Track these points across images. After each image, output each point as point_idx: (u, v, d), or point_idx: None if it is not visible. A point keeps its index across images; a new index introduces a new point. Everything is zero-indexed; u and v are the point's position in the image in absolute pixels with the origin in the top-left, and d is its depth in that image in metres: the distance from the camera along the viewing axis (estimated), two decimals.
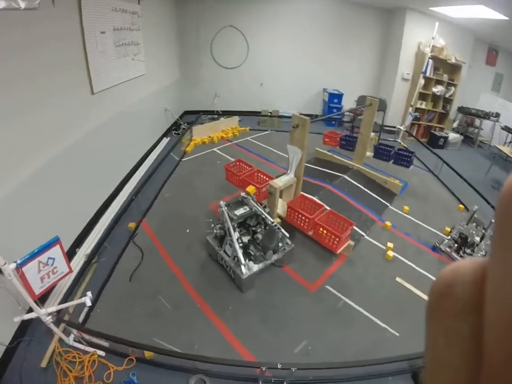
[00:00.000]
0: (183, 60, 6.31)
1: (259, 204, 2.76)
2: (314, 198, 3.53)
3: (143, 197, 3.65)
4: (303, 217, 2.85)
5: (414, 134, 6.43)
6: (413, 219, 3.61)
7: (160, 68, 5.20)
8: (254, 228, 2.75)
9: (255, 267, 2.52)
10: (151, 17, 4.60)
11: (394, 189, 4.02)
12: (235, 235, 2.47)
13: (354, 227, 3.22)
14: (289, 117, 6.24)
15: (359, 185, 4.01)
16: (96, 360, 2.07)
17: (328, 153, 4.69)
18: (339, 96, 6.37)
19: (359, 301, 2.54)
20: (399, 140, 5.86)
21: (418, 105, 6.26)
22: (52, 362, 2.04)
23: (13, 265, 1.66)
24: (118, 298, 2.49)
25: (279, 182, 2.97)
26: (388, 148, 4.27)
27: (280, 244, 2.65)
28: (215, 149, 5.10)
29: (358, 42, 6.34)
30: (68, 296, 2.35)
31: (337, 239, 2.65)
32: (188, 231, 3.18)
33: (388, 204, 3.80)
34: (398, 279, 2.78)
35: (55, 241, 1.90)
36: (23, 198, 2.32)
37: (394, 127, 6.01)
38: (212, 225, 2.80)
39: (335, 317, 2.42)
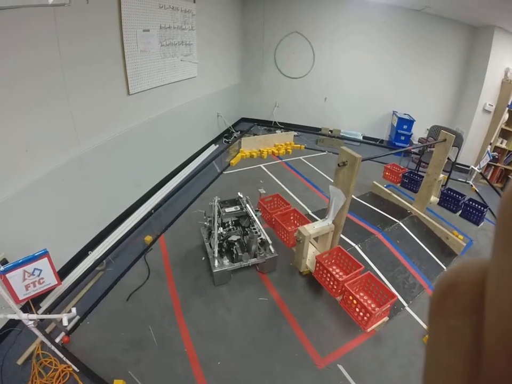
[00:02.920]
0: (245, 64, 6.10)
1: (252, 207, 2.88)
2: (357, 247, 3.00)
3: (170, 209, 3.52)
4: (332, 278, 2.36)
5: (488, 177, 5.28)
6: None
7: (216, 70, 5.04)
8: (246, 229, 2.83)
9: (228, 265, 2.62)
10: (210, 16, 4.44)
11: (455, 247, 3.23)
12: (217, 230, 2.65)
13: (396, 294, 2.64)
14: (351, 139, 5.77)
15: (414, 237, 3.31)
16: (69, 373, 1.99)
17: (386, 189, 4.02)
18: (409, 122, 5.49)
19: None
20: (470, 182, 4.86)
21: (498, 144, 5.12)
22: (31, 360, 2.03)
23: None
24: (110, 316, 2.37)
25: (310, 229, 2.49)
26: (457, 196, 3.47)
27: (261, 250, 2.71)
28: (261, 165, 4.76)
29: (435, 62, 5.35)
30: (63, 297, 2.31)
31: (368, 315, 2.10)
32: (203, 258, 2.91)
33: (444, 267, 3.05)
34: None
35: (43, 253, 1.89)
36: (40, 193, 2.34)
37: (468, 166, 4.96)
38: (204, 217, 2.91)
39: None
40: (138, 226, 3.08)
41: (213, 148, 5.17)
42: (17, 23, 1.95)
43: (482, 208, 3.37)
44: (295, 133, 5.68)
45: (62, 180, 2.49)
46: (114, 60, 2.85)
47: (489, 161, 4.60)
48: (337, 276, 2.37)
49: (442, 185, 4.39)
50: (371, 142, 5.93)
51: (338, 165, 2.32)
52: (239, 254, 2.64)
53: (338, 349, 2.23)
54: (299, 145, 5.43)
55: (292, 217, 3.10)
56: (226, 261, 2.64)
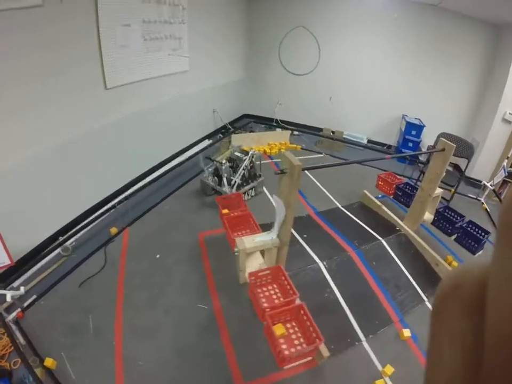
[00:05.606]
0: (250, 60, 5.83)
1: (253, 158, 3.62)
2: (321, 265, 2.70)
3: (144, 202, 3.48)
4: (256, 302, 2.07)
5: (502, 196, 4.57)
6: None
7: (214, 65, 4.85)
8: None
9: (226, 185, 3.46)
10: (207, 9, 4.29)
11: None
12: (225, 164, 3.51)
13: (354, 325, 2.36)
14: (354, 143, 5.39)
15: (396, 259, 2.93)
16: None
17: (376, 201, 3.65)
18: (419, 128, 4.91)
19: None
20: (482, 199, 4.27)
21: None
22: None
23: None
24: (61, 299, 2.45)
25: (248, 243, 2.24)
26: (454, 217, 3.04)
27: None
28: None
29: (451, 65, 4.72)
30: (12, 275, 2.45)
31: (280, 355, 1.75)
32: (158, 256, 2.84)
33: (426, 299, 2.66)
34: None
35: None
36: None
37: (480, 181, 4.38)
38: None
39: None
40: (101, 216, 3.14)
41: (206, 143, 5.00)
42: None
43: (482, 234, 2.94)
44: (295, 132, 5.40)
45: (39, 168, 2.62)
46: (91, 55, 2.83)
47: (505, 177, 4.05)
48: (263, 300, 2.12)
49: (447, 200, 3.98)
50: (377, 147, 5.48)
51: (276, 172, 2.04)
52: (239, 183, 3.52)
53: (266, 376, 2.00)
54: (295, 146, 5.08)
55: (246, 222, 2.84)
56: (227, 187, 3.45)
